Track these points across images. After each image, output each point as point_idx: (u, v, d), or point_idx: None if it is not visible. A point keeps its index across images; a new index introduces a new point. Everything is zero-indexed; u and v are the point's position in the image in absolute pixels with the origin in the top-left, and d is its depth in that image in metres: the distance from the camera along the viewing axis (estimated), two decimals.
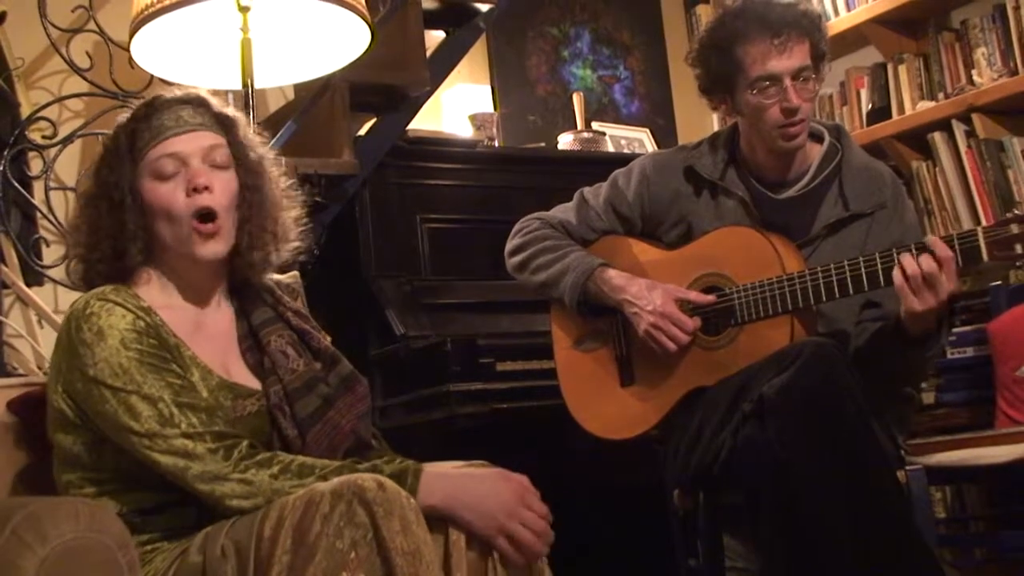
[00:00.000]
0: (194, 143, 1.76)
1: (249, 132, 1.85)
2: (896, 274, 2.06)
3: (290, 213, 1.88)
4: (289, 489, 1.58)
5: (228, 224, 1.77)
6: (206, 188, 1.74)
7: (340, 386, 1.81)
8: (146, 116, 1.76)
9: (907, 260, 2.06)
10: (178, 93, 1.81)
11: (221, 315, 1.83)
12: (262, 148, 1.87)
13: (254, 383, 1.78)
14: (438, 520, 1.58)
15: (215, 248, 1.76)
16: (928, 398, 3.15)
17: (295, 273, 2.03)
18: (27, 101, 3.08)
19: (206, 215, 1.74)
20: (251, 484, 1.59)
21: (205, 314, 1.80)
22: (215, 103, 1.83)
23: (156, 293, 1.76)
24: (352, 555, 1.46)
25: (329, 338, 1.92)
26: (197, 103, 1.80)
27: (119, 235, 1.74)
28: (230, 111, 1.85)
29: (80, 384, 1.66)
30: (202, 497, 1.62)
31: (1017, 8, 3.48)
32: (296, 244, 1.89)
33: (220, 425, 1.65)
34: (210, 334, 1.79)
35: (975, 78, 3.55)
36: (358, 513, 1.47)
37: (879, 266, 2.11)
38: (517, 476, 1.67)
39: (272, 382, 1.76)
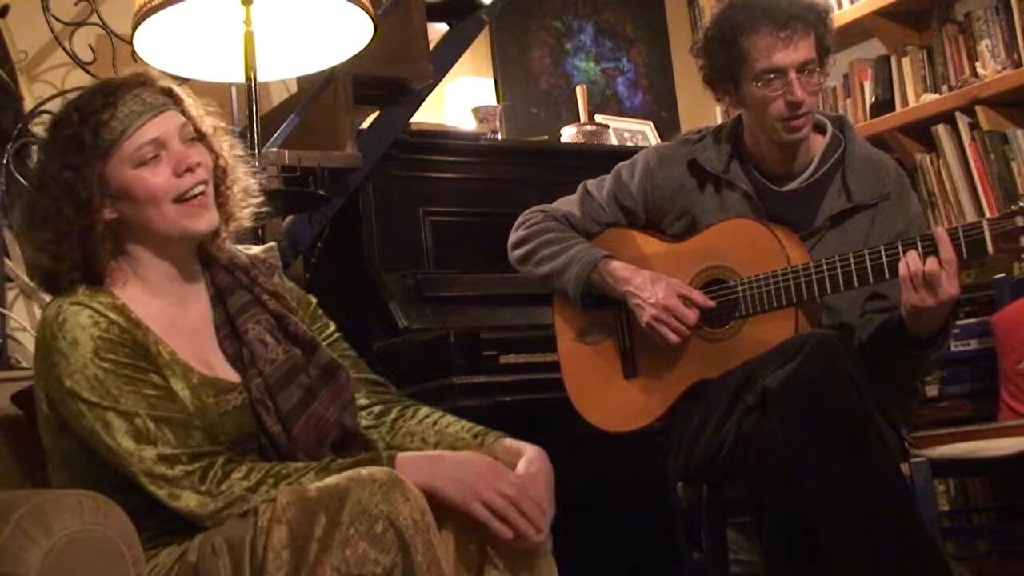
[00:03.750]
0: (168, 124, 1.71)
1: (192, 102, 1.80)
2: (901, 266, 2.06)
3: (247, 178, 1.84)
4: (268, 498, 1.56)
5: (212, 196, 1.75)
6: (198, 165, 1.71)
7: (321, 376, 1.77)
8: (107, 106, 1.69)
9: (912, 257, 2.05)
10: (125, 75, 1.75)
11: (197, 304, 1.79)
12: (209, 115, 1.81)
13: (234, 376, 1.74)
14: None
15: (210, 219, 1.73)
16: (932, 390, 3.14)
17: (272, 245, 1.97)
18: (30, 95, 3.07)
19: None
20: (230, 504, 1.58)
21: (181, 306, 1.76)
22: (161, 79, 1.78)
23: (131, 290, 1.72)
24: (351, 531, 1.46)
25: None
26: (150, 83, 1.74)
27: (87, 237, 1.68)
28: (171, 84, 1.79)
29: (58, 394, 1.64)
30: (181, 515, 1.60)
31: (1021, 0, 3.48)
32: (253, 209, 1.85)
33: (196, 439, 1.62)
34: (187, 328, 1.75)
35: (979, 70, 3.54)
36: (358, 494, 1.47)
37: (884, 259, 2.11)
38: (485, 456, 1.68)
39: (253, 375, 1.73)
